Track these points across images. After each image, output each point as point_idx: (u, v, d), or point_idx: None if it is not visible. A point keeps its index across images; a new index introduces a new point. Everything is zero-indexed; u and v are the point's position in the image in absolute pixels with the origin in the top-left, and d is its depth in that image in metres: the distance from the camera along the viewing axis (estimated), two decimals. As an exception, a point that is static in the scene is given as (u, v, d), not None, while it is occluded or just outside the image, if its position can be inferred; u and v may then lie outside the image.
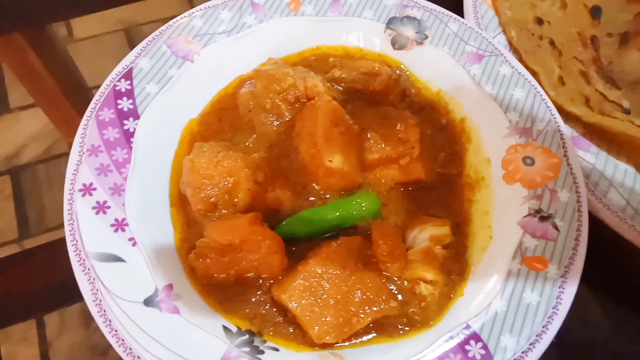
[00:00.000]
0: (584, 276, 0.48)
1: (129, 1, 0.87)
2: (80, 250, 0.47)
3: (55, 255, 0.62)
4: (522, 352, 0.44)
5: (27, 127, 0.75)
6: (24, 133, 0.74)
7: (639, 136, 0.57)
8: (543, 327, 0.45)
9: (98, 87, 0.79)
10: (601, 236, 0.54)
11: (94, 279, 0.46)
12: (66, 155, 0.72)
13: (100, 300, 0.45)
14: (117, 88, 0.56)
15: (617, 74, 0.69)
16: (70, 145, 0.74)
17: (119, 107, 0.55)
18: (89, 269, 0.46)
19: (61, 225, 0.65)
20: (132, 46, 0.84)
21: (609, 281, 0.59)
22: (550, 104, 0.57)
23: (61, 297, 0.59)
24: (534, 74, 0.62)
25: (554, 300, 0.46)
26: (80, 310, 0.59)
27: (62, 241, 0.62)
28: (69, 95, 0.80)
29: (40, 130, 0.74)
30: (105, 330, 0.44)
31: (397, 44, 0.64)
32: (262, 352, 0.45)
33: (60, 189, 0.69)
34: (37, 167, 0.71)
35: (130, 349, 0.43)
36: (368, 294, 0.47)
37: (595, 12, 0.73)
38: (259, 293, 0.50)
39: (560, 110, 0.60)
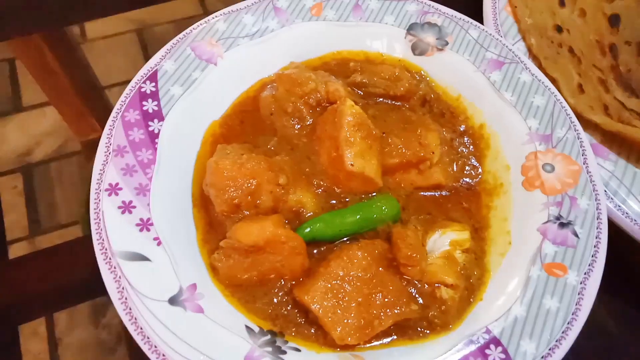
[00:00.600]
0: (603, 283, 0.49)
1: (144, 4, 0.88)
2: (106, 249, 0.48)
3: (73, 253, 0.63)
4: (542, 358, 0.45)
5: (40, 125, 0.76)
6: (37, 131, 0.75)
7: (660, 145, 0.57)
8: (562, 332, 0.46)
9: (111, 86, 0.81)
10: (619, 243, 0.55)
11: (119, 277, 0.46)
12: (77, 153, 0.75)
13: (125, 298, 0.46)
14: (142, 90, 0.57)
15: (636, 82, 0.69)
16: (82, 144, 0.76)
17: (144, 108, 0.56)
18: (114, 267, 0.47)
19: (71, 223, 0.67)
20: (143, 46, 0.86)
21: (627, 288, 0.60)
22: (570, 111, 0.58)
23: (79, 295, 0.60)
24: (554, 81, 0.63)
25: (573, 306, 0.47)
26: (89, 308, 0.60)
27: (77, 240, 0.64)
28: (82, 94, 0.81)
29: (52, 129, 0.75)
30: (130, 328, 0.45)
31: (417, 49, 0.65)
32: (285, 352, 0.46)
33: (71, 186, 0.71)
34: (49, 164, 0.72)
35: (156, 346, 0.44)
36: (389, 296, 0.48)
37: (614, 21, 0.74)
38: (280, 294, 0.50)
39: (580, 117, 0.61)
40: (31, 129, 0.75)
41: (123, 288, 0.46)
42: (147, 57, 0.83)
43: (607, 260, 0.50)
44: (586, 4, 0.74)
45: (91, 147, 0.71)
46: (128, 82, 0.79)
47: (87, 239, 0.62)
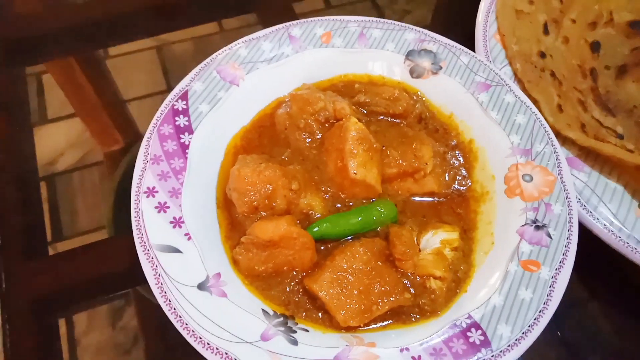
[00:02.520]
0: (573, 278, 0.56)
1: (166, 31, 0.94)
2: (145, 242, 0.55)
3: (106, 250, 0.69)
4: (516, 340, 0.51)
5: (64, 137, 0.80)
6: (61, 142, 0.79)
7: (626, 159, 0.64)
8: (534, 319, 0.52)
9: (131, 100, 0.86)
10: (591, 245, 0.61)
11: (156, 266, 0.54)
12: (100, 163, 0.79)
13: (161, 284, 0.53)
14: (175, 107, 0.65)
15: (614, 102, 0.77)
16: (105, 154, 0.81)
17: (177, 123, 0.64)
18: (152, 258, 0.54)
19: (92, 230, 0.71)
20: (162, 62, 0.91)
21: (596, 283, 0.67)
22: (548, 128, 0.65)
23: (114, 287, 0.66)
24: (535, 102, 0.70)
25: (544, 298, 0.53)
26: (106, 311, 0.65)
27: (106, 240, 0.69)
28: (107, 108, 0.87)
29: (75, 140, 0.80)
30: (165, 309, 0.52)
31: (415, 73, 0.73)
32: (295, 332, 0.53)
33: (93, 195, 0.74)
34: (72, 174, 0.76)
35: (187, 324, 0.51)
36: (386, 286, 0.55)
37: (595, 47, 0.81)
38: (292, 283, 0.57)
39: (558, 134, 0.68)
40: (55, 140, 0.79)
41: (159, 275, 0.53)
42: (165, 73, 0.89)
43: (580, 258, 0.56)
44: (569, 32, 0.81)
45: (113, 158, 0.79)
46: (148, 96, 0.86)
47: (114, 239, 0.69)
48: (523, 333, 0.52)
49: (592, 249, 0.61)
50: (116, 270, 0.67)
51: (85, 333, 0.63)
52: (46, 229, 0.71)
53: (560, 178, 0.61)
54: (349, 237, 0.61)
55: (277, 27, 0.73)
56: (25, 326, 0.63)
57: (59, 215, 0.72)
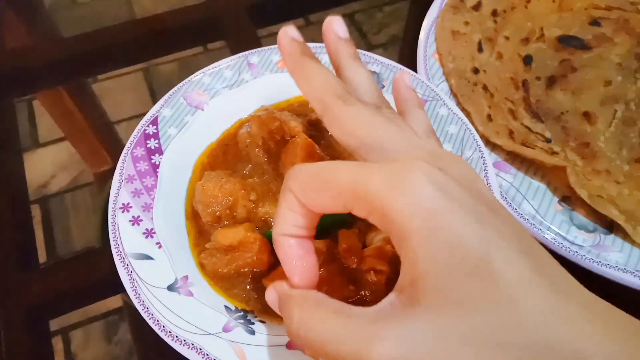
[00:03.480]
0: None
1: (154, 57, 1.00)
2: (121, 252, 0.62)
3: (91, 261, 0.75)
4: None
5: (55, 160, 0.84)
6: (52, 165, 0.83)
7: (547, 161, 0.73)
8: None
9: (120, 121, 0.90)
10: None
11: (131, 272, 0.60)
12: (90, 184, 0.83)
13: (136, 287, 0.59)
14: (146, 132, 0.73)
15: (544, 110, 0.85)
16: (95, 175, 0.85)
17: (148, 146, 0.72)
18: (127, 265, 0.61)
19: (85, 249, 0.75)
20: (149, 83, 0.96)
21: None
22: (477, 137, 0.73)
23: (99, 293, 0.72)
24: (468, 113, 0.78)
25: None
26: (102, 327, 0.69)
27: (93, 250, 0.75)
28: (95, 131, 0.92)
29: (66, 162, 0.84)
30: (139, 308, 0.58)
31: (361, 92, 0.81)
32: (253, 324, 0.60)
33: (85, 215, 0.79)
34: (64, 195, 0.81)
35: (158, 320, 0.57)
36: (332, 280, 0.63)
37: (527, 60, 0.90)
38: (252, 283, 0.64)
39: (488, 141, 0.77)
40: (47, 164, 0.83)
41: (134, 280, 0.60)
42: (152, 94, 0.95)
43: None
44: (503, 48, 0.90)
45: (103, 178, 0.84)
46: (135, 117, 0.90)
47: (101, 250, 0.74)
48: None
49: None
50: (103, 278, 0.73)
51: (81, 348, 0.68)
52: (41, 249, 0.75)
53: (486, 179, 0.70)
54: (304, 240, 0.69)
55: (237, 56, 0.82)
56: (18, 334, 0.69)
57: (52, 235, 0.76)
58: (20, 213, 0.81)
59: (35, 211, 0.78)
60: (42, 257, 0.75)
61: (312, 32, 0.86)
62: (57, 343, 0.68)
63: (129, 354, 0.68)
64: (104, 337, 0.68)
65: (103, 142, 0.91)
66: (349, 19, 1.09)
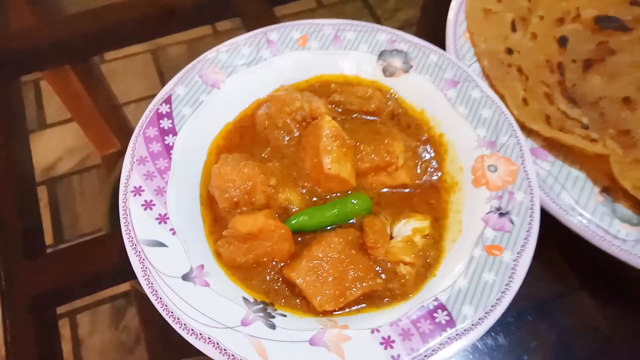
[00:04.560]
0: (537, 260, 0.59)
1: (161, 35, 0.97)
2: (132, 238, 0.58)
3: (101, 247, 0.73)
4: (479, 319, 0.54)
5: (63, 141, 0.82)
6: (60, 147, 0.82)
7: (587, 148, 0.68)
8: (497, 300, 0.55)
9: (127, 103, 0.89)
10: (554, 229, 0.65)
11: (143, 260, 0.57)
12: (98, 167, 0.81)
13: (148, 276, 0.56)
14: (159, 111, 0.69)
15: (580, 95, 0.80)
16: (103, 158, 0.83)
17: (161, 126, 0.68)
18: (139, 252, 0.57)
19: (93, 232, 0.73)
20: (157, 65, 0.94)
21: (559, 266, 0.71)
22: (512, 121, 0.69)
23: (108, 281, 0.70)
24: (502, 96, 0.73)
25: (507, 280, 0.56)
26: (109, 311, 0.67)
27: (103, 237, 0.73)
28: (103, 112, 0.90)
29: (74, 144, 0.82)
30: (152, 299, 0.55)
31: (387, 72, 0.76)
32: (273, 317, 0.57)
33: (92, 198, 0.77)
34: (71, 178, 0.79)
35: (172, 312, 0.54)
36: (359, 272, 0.58)
37: (562, 42, 0.84)
38: (272, 273, 0.61)
39: (523, 127, 0.71)
40: (55, 145, 0.82)
41: (146, 268, 0.56)
42: (160, 76, 0.92)
43: (542, 242, 0.60)
44: (537, 28, 0.85)
45: (111, 161, 0.82)
46: (143, 99, 0.88)
47: (110, 236, 0.72)
48: (486, 313, 0.55)
49: (555, 233, 0.65)
50: (111, 265, 0.70)
51: (89, 334, 0.66)
52: (48, 232, 0.74)
53: (523, 167, 0.65)
54: (328, 228, 0.64)
55: (255, 32, 0.77)
56: (24, 322, 0.66)
57: (59, 217, 0.74)
58: (26, 198, 0.78)
59: (42, 193, 0.77)
60: (49, 239, 0.73)
61: (325, 14, 0.80)
62: (64, 328, 0.66)
63: (136, 340, 0.66)
64: (111, 323, 0.67)
65: (111, 124, 0.89)
66: (363, 3, 1.05)
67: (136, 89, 0.90)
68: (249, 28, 0.81)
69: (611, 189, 0.68)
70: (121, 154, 0.66)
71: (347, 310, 0.59)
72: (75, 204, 0.77)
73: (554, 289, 0.70)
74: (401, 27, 0.82)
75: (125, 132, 0.86)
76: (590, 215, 0.65)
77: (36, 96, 0.88)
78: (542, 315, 0.68)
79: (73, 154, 0.82)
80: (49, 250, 0.73)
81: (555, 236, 0.64)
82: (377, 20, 1.02)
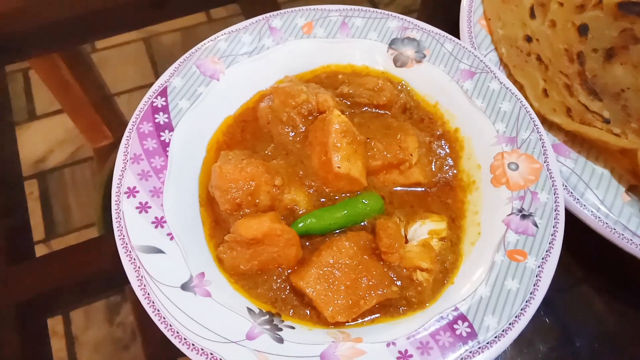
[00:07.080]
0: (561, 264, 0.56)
1: (154, 22, 0.93)
2: (126, 243, 0.55)
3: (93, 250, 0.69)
4: (503, 331, 0.51)
5: (53, 133, 0.79)
6: (50, 139, 0.79)
7: (613, 142, 0.64)
8: (521, 309, 0.52)
9: (119, 93, 0.86)
10: (579, 231, 0.61)
11: (139, 267, 0.53)
12: (90, 159, 0.78)
13: (144, 286, 0.52)
14: (154, 104, 0.64)
15: (601, 86, 0.76)
16: (95, 150, 0.80)
17: (156, 120, 0.63)
18: (134, 260, 0.54)
19: (85, 226, 0.71)
20: (150, 54, 0.90)
21: (583, 270, 0.67)
22: (534, 115, 0.64)
23: (101, 287, 0.66)
24: (520, 87, 0.69)
25: (531, 287, 0.53)
26: (104, 307, 0.64)
27: (95, 240, 0.69)
28: (94, 103, 0.86)
29: (65, 136, 0.79)
30: (149, 310, 0.51)
31: (398, 62, 0.72)
32: (281, 330, 0.53)
33: (85, 191, 0.75)
34: (62, 170, 0.76)
35: (171, 325, 0.51)
36: (373, 280, 0.55)
37: (583, 30, 0.80)
38: (279, 281, 0.57)
39: (544, 120, 0.67)
40: (45, 137, 0.79)
41: (142, 277, 0.53)
42: (154, 65, 0.88)
43: (567, 244, 0.56)
44: (557, 15, 0.80)
45: (103, 153, 0.79)
46: (136, 89, 0.85)
47: (104, 237, 0.69)
48: (510, 324, 0.52)
49: (580, 235, 0.61)
50: (102, 270, 0.67)
51: (83, 330, 0.63)
52: (39, 226, 0.71)
53: (547, 165, 0.61)
54: (337, 231, 0.60)
55: (257, 18, 0.72)
56: (10, 334, 0.63)
57: (51, 212, 0.72)
58: (12, 196, 0.73)
59: (33, 187, 0.74)
60: (40, 234, 0.70)
61: (326, 1, 0.75)
62: (57, 325, 0.64)
63: (131, 337, 0.63)
64: (105, 319, 0.64)
65: (103, 115, 0.85)
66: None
67: (128, 79, 0.87)
68: (248, 15, 0.76)
69: (637, 187, 0.64)
70: (114, 146, 0.62)
71: (360, 320, 0.55)
72: (67, 197, 0.74)
73: (579, 295, 0.66)
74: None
75: (117, 124, 0.83)
76: (616, 217, 0.62)
77: (25, 86, 0.85)
78: (570, 321, 0.64)
79: (64, 146, 0.79)
80: (38, 246, 0.69)
81: (579, 239, 0.61)
82: (376, 7, 0.98)
